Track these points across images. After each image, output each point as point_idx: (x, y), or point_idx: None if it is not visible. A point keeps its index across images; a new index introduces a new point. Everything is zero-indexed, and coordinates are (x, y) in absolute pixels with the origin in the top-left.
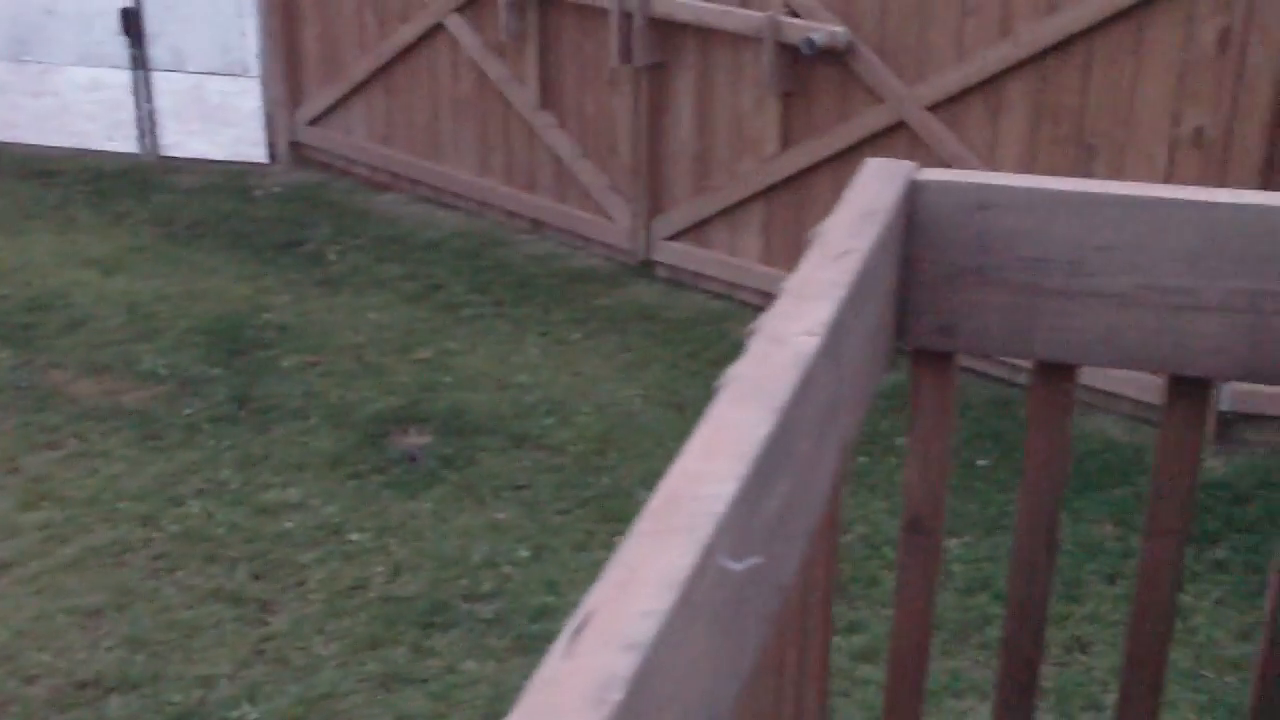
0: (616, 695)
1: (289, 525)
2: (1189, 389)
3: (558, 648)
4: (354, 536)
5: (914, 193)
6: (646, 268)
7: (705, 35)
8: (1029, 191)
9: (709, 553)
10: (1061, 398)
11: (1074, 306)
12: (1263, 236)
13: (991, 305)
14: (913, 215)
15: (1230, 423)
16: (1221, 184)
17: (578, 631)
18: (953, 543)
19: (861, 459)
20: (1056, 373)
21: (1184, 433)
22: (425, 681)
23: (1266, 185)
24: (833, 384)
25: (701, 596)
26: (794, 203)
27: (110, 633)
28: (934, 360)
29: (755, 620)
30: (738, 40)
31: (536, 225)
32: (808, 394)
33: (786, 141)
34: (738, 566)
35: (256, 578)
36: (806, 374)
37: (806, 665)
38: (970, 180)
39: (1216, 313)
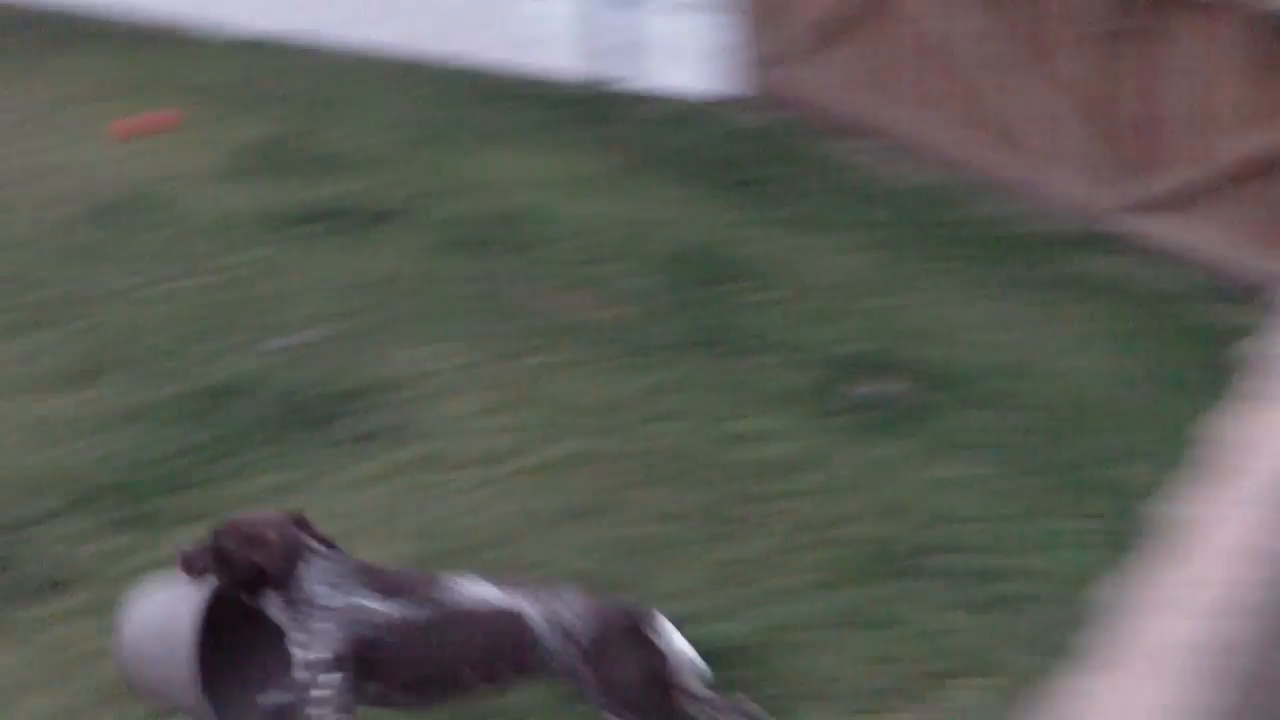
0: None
1: (755, 455)
2: None
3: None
4: (819, 475)
5: None
6: (1115, 238)
7: (1189, 5)
8: None
9: None
10: None
11: None
12: None
13: None
14: None
15: None
16: None
17: None
18: None
19: None
20: None
21: None
22: (886, 627)
23: None
24: None
25: None
26: None
27: (587, 537)
28: None
29: None
30: (1228, 10)
31: (1005, 185)
32: None
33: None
34: None
35: (721, 502)
36: None
37: None
38: None
39: None
